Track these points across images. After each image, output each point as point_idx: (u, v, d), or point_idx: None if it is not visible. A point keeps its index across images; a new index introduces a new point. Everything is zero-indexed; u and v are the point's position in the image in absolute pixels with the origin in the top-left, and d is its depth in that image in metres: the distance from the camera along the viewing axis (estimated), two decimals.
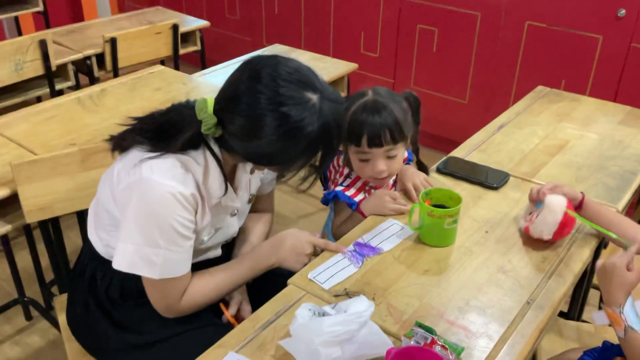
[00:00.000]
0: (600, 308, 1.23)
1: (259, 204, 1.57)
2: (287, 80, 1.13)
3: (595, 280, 1.79)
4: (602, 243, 1.53)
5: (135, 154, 1.22)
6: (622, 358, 1.28)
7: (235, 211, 1.41)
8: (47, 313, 2.20)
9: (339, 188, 1.60)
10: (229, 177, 1.33)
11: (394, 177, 1.67)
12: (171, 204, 1.18)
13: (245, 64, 1.19)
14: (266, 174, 1.51)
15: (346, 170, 1.61)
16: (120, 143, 1.27)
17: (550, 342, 1.57)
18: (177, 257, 1.23)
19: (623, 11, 2.62)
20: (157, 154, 1.20)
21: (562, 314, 1.78)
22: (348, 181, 1.62)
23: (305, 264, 1.34)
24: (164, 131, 1.22)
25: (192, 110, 1.20)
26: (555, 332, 1.61)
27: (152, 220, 1.19)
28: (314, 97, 1.15)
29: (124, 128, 1.28)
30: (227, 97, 1.17)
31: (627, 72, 2.72)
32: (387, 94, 1.50)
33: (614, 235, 1.32)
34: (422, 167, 1.68)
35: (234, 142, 1.19)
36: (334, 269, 1.31)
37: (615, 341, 1.33)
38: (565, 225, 1.35)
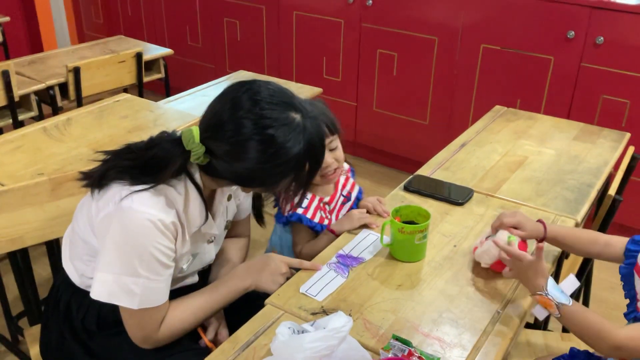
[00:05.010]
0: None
1: (235, 228, 1.59)
2: (270, 103, 1.16)
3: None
4: (563, 253, 1.60)
5: (116, 189, 1.21)
6: None
7: (212, 238, 1.42)
8: (15, 347, 2.14)
9: (299, 210, 1.61)
10: (208, 205, 1.34)
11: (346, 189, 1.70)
12: (151, 232, 1.18)
13: (228, 90, 1.21)
14: (242, 200, 1.53)
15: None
16: (100, 181, 1.24)
17: (519, 352, 1.62)
18: (157, 287, 1.23)
19: (572, 33, 2.76)
20: (139, 188, 1.19)
21: (528, 325, 1.84)
22: (306, 202, 1.63)
23: (281, 284, 1.36)
24: (149, 167, 1.21)
25: (175, 143, 1.20)
26: (523, 342, 1.66)
27: (132, 249, 1.18)
28: (297, 117, 1.18)
29: (96, 164, 1.27)
30: (212, 124, 1.19)
31: (578, 90, 2.84)
32: (306, 98, 1.55)
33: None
34: None
35: (222, 167, 1.20)
36: (323, 282, 1.35)
37: (582, 347, 1.39)
38: (500, 264, 1.36)
